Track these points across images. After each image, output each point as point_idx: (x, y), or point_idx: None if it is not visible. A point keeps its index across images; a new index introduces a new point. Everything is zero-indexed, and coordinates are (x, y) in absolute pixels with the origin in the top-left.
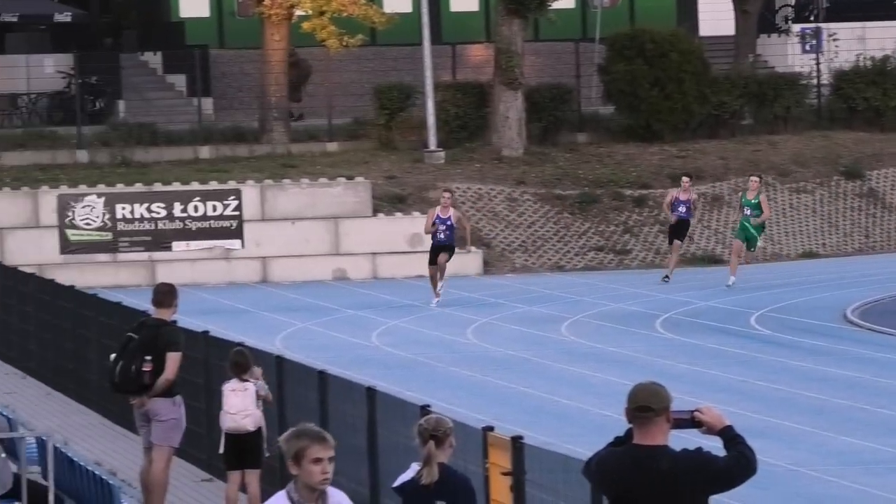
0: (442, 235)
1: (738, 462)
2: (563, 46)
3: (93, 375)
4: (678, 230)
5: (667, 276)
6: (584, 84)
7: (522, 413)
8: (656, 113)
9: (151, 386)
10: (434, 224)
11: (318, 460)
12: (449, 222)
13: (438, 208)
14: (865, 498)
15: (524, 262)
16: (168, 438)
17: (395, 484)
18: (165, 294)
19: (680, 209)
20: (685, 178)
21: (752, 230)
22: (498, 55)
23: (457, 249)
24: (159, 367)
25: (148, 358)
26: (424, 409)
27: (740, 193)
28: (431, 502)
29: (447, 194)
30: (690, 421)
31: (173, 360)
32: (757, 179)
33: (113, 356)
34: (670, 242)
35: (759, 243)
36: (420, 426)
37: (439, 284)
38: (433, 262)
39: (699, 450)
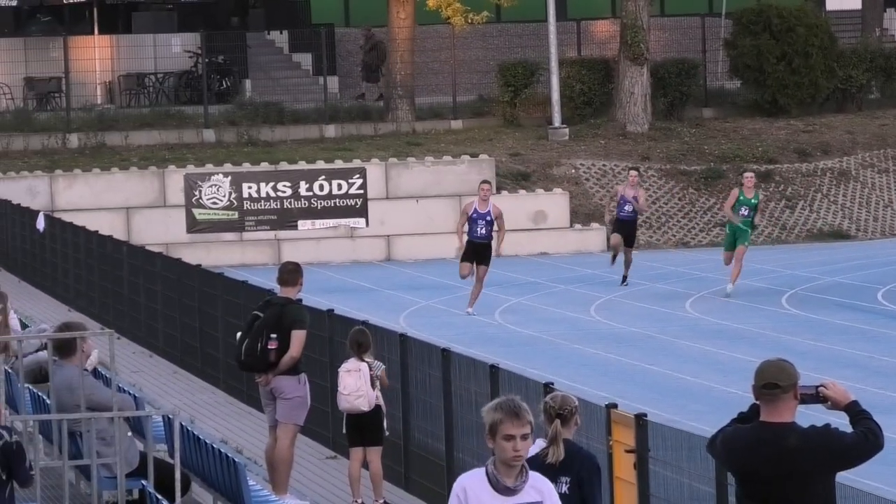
0: (483, 230)
1: (866, 438)
2: (689, 21)
3: (219, 354)
4: (624, 232)
5: (624, 278)
6: (710, 59)
7: (646, 390)
8: (783, 87)
9: (276, 364)
10: (471, 218)
11: (510, 437)
12: (489, 217)
13: (476, 200)
14: None
15: (648, 239)
16: (293, 416)
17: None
18: (291, 272)
19: (626, 208)
20: (633, 173)
21: (745, 227)
22: (623, 30)
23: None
24: (284, 345)
25: (273, 336)
26: (548, 387)
27: (734, 195)
28: (556, 479)
29: (486, 185)
30: (815, 396)
31: (298, 338)
32: (752, 175)
33: (239, 334)
34: (464, 259)
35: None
36: (546, 404)
37: (475, 299)
38: (470, 260)
39: (827, 426)
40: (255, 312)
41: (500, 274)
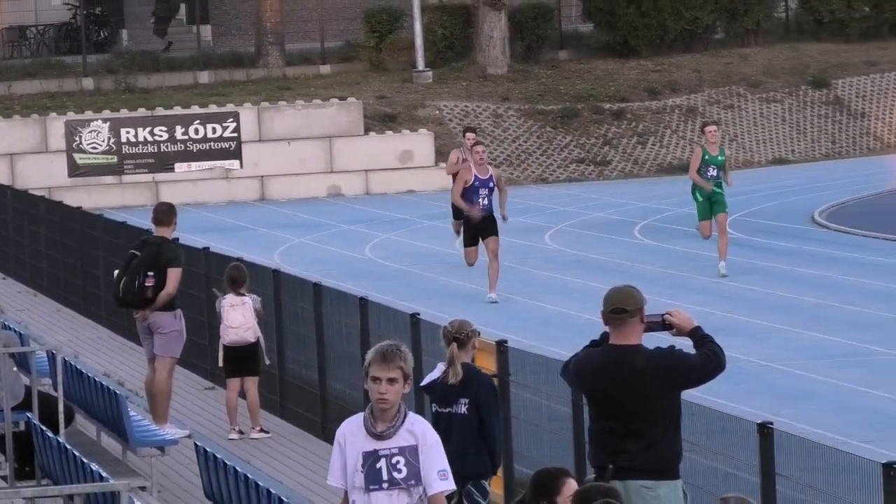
0: (486, 201)
1: (709, 359)
2: None
3: (100, 292)
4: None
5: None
6: (565, 3)
7: (509, 319)
8: (633, 29)
9: (153, 300)
10: (471, 187)
11: (376, 379)
12: (491, 184)
13: (472, 165)
14: (832, 389)
15: (509, 176)
16: (170, 350)
17: (423, 383)
18: (165, 213)
19: (483, 201)
20: (469, 135)
21: (718, 191)
22: None
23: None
24: (160, 282)
25: (150, 274)
26: (414, 318)
27: (698, 154)
28: (456, 400)
29: (480, 146)
30: (661, 324)
31: (174, 275)
32: (715, 128)
33: (116, 272)
34: (468, 244)
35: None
36: (444, 329)
37: (496, 280)
38: (474, 241)
39: (672, 347)
40: (132, 251)
41: (369, 211)
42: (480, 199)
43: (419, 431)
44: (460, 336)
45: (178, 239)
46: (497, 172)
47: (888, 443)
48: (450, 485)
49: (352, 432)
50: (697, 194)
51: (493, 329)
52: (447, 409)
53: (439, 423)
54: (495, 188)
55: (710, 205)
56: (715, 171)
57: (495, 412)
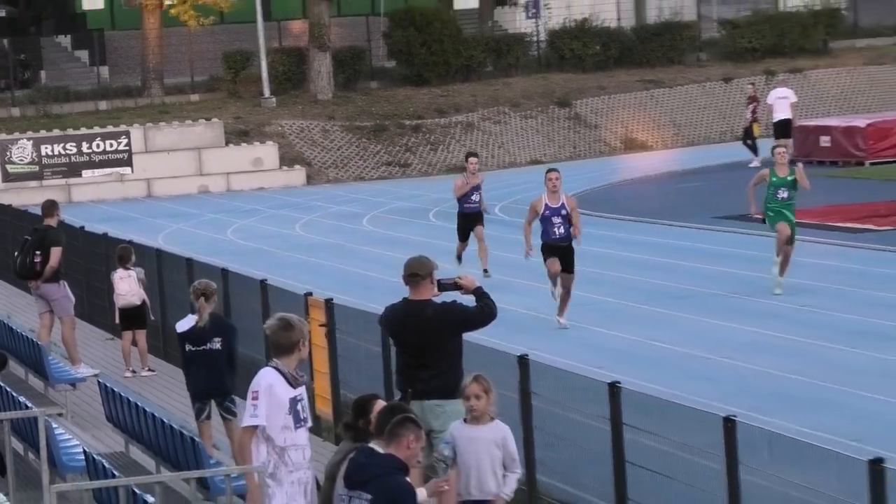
0: (561, 230)
1: (482, 310)
2: (359, 19)
3: None
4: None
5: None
6: (374, 46)
7: (339, 283)
8: (425, 65)
9: (42, 273)
10: (543, 216)
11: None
12: (564, 212)
13: (545, 195)
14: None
15: (335, 175)
16: (64, 311)
17: (180, 330)
18: (49, 207)
19: (472, 197)
20: (472, 159)
21: (789, 214)
22: (311, 27)
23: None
24: (45, 258)
25: (37, 252)
26: (263, 283)
27: (760, 177)
28: (210, 339)
29: (555, 173)
30: (454, 285)
31: (56, 253)
32: (784, 150)
33: (16, 253)
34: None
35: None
36: (194, 286)
37: (566, 306)
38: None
39: (454, 302)
40: (26, 237)
41: (230, 204)
42: (555, 229)
43: (304, 381)
44: (207, 292)
45: (62, 222)
46: (573, 202)
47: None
48: None
49: (274, 382)
50: (768, 220)
51: (326, 291)
52: (202, 347)
53: (194, 358)
54: (569, 216)
55: (780, 215)
56: (786, 192)
57: (236, 344)
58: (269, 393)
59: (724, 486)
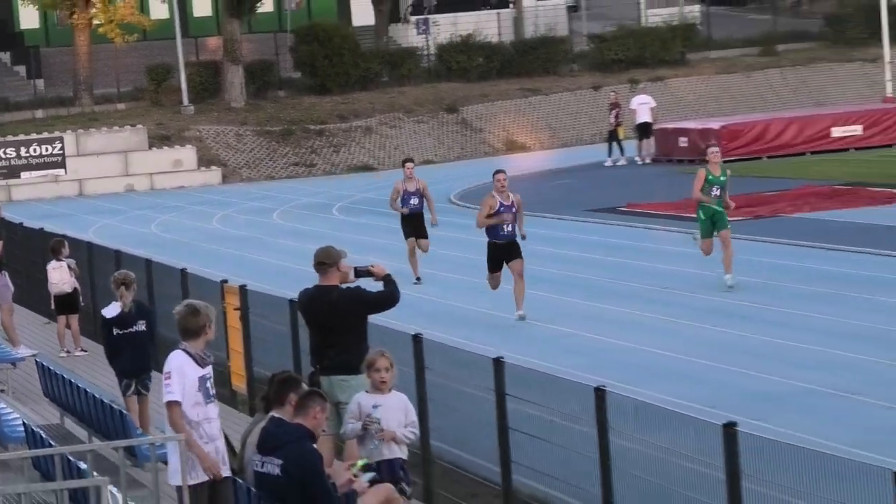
0: (509, 227)
1: (384, 295)
2: (267, 36)
3: None
4: (413, 226)
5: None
6: (282, 59)
7: (253, 272)
8: (328, 76)
9: None
10: (498, 213)
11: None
12: (514, 209)
13: (496, 194)
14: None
15: (248, 175)
16: (4, 298)
17: (108, 316)
18: None
19: (411, 202)
20: (408, 165)
21: (720, 209)
22: (225, 43)
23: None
24: None
25: None
26: (183, 272)
27: (702, 175)
28: (135, 322)
29: (502, 174)
30: (368, 272)
31: None
32: (718, 150)
33: None
34: (492, 270)
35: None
36: (114, 276)
37: (522, 298)
38: (495, 267)
39: (357, 287)
40: None
41: (154, 202)
42: (506, 227)
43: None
44: (126, 281)
45: (1, 220)
46: (519, 199)
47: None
48: None
49: (184, 364)
50: (701, 213)
51: (241, 278)
52: (128, 330)
53: (121, 340)
54: (516, 213)
55: (713, 223)
56: (718, 190)
57: (156, 321)
58: (181, 372)
59: (595, 448)
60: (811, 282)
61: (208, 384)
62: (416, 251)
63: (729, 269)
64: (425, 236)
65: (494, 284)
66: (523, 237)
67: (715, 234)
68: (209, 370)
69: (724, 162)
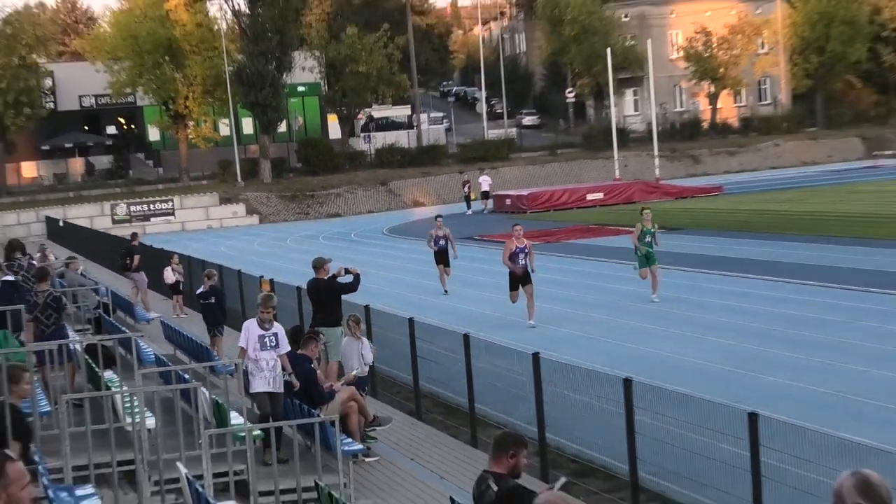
0: (524, 261)
1: (349, 285)
2: (283, 143)
3: None
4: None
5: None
6: (291, 156)
7: (275, 272)
8: (316, 165)
9: None
10: (514, 253)
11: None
12: (526, 250)
13: (514, 240)
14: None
15: (273, 219)
16: (142, 286)
17: (198, 292)
18: None
19: (522, 262)
20: (517, 227)
21: (651, 251)
22: (260, 148)
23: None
24: None
25: None
26: (239, 272)
27: (638, 228)
28: (209, 297)
29: (519, 227)
30: (348, 271)
31: None
32: (649, 212)
33: None
34: (513, 289)
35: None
36: (204, 272)
37: (533, 312)
38: (515, 287)
39: (333, 278)
40: None
41: (220, 233)
42: (520, 261)
43: (279, 331)
44: (208, 274)
45: None
46: (530, 244)
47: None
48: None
49: (251, 326)
50: (638, 253)
51: (271, 275)
52: (207, 301)
53: (204, 307)
54: (528, 253)
55: (647, 259)
56: (650, 238)
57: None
58: (247, 330)
59: (463, 375)
60: (582, 277)
61: (266, 339)
62: (444, 275)
63: (655, 291)
64: (448, 265)
65: (514, 299)
66: (532, 271)
67: (655, 262)
68: (269, 331)
69: (531, 213)
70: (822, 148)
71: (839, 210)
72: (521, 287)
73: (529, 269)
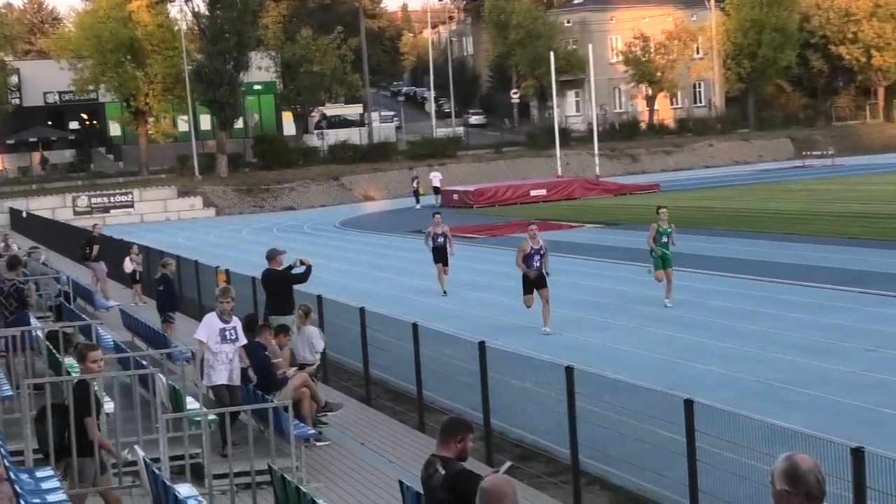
0: (538, 263)
1: (300, 276)
2: (240, 139)
3: None
4: (537, 283)
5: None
6: (247, 151)
7: (231, 262)
8: (270, 160)
9: None
10: (528, 254)
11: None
12: (542, 251)
13: (529, 240)
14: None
15: (229, 212)
16: (102, 276)
17: (156, 279)
18: None
19: (536, 264)
20: (532, 227)
21: (668, 252)
22: (217, 143)
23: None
24: None
25: None
26: (196, 263)
27: (654, 228)
28: (160, 285)
29: (535, 226)
30: (302, 262)
31: None
32: (665, 210)
33: None
34: (527, 292)
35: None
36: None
37: (549, 317)
38: (529, 290)
39: (287, 269)
40: None
41: (178, 225)
42: (534, 263)
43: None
44: (163, 263)
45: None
46: (546, 244)
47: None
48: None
49: (213, 319)
50: (653, 254)
51: (227, 266)
52: (159, 288)
53: (158, 294)
54: (544, 254)
55: (663, 261)
56: (666, 238)
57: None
58: (209, 324)
59: (412, 363)
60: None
61: (227, 332)
62: (442, 274)
63: (668, 295)
64: (446, 263)
65: (529, 304)
66: (547, 274)
67: (670, 266)
68: (229, 324)
69: (477, 207)
70: (754, 148)
71: (770, 207)
72: (535, 290)
73: (544, 272)
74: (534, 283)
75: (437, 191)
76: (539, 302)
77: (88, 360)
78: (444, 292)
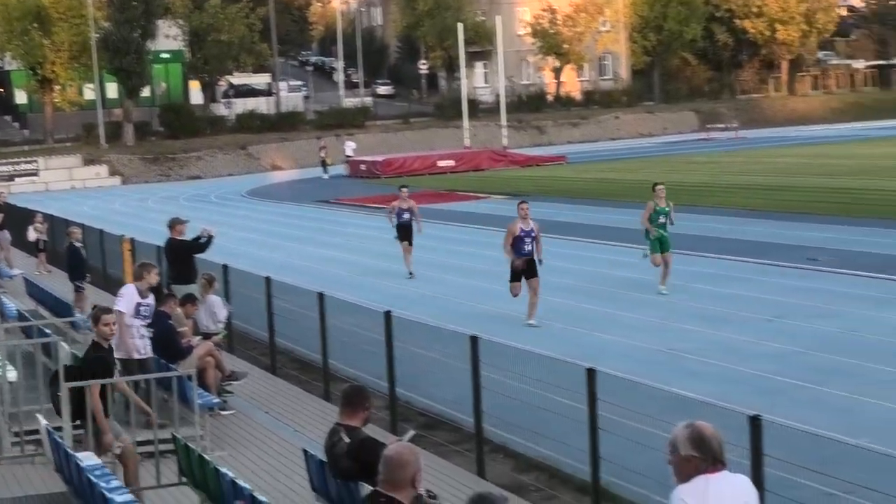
0: (529, 247)
1: (201, 245)
2: (147, 108)
3: None
4: (527, 271)
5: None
6: (153, 120)
7: (137, 231)
8: (177, 129)
9: None
10: (517, 237)
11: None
12: (533, 234)
13: (519, 221)
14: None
15: (135, 181)
16: (5, 243)
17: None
18: None
19: (526, 248)
20: (524, 205)
21: (665, 234)
22: (124, 111)
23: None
24: None
25: None
26: (101, 231)
27: (650, 207)
28: (68, 253)
29: (525, 204)
30: (205, 231)
31: None
32: (664, 187)
33: None
34: (513, 280)
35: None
36: (67, 230)
37: (534, 310)
38: (517, 278)
39: (197, 240)
40: None
41: (84, 194)
42: (525, 246)
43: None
44: (70, 232)
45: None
46: (538, 226)
47: None
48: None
49: (133, 293)
50: (648, 236)
51: (132, 234)
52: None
53: (67, 262)
54: (535, 237)
55: (660, 244)
56: (664, 218)
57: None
58: (129, 296)
59: (317, 333)
60: (434, 241)
61: (142, 308)
62: (407, 254)
63: (664, 281)
64: (411, 242)
65: (516, 292)
66: (540, 262)
67: (669, 249)
68: (146, 300)
69: (385, 178)
70: (659, 121)
71: (674, 179)
72: (524, 279)
73: (536, 259)
74: (523, 270)
75: (348, 159)
76: (526, 292)
77: (101, 323)
78: (411, 273)
